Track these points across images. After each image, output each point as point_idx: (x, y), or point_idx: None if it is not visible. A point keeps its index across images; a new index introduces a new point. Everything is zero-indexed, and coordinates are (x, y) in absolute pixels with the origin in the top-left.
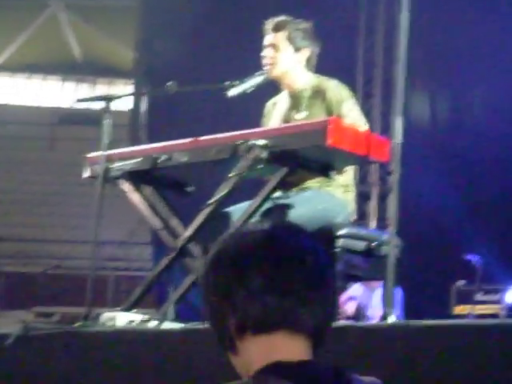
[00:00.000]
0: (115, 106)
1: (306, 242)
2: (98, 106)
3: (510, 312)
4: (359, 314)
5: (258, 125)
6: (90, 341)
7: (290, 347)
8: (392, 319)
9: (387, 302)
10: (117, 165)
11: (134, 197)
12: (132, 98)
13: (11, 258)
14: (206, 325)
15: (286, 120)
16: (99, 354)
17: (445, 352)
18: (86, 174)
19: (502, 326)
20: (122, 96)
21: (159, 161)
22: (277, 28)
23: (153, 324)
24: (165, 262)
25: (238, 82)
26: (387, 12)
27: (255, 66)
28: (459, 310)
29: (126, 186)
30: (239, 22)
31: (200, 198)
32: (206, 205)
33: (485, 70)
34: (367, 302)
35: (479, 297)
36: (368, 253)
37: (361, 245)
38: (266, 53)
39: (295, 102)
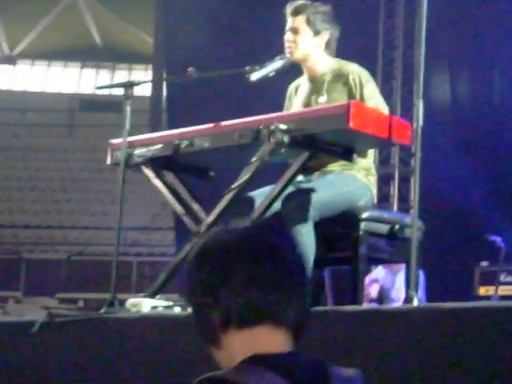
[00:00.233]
0: (135, 91)
1: (285, 239)
2: (118, 92)
3: None
4: (382, 297)
5: (279, 109)
6: (115, 327)
7: (273, 340)
8: (416, 302)
9: (411, 284)
10: (139, 151)
11: (156, 183)
12: (151, 83)
13: (31, 244)
14: None
15: (307, 104)
16: (125, 340)
17: (470, 334)
18: (109, 160)
19: None
20: (143, 82)
21: (181, 147)
22: (296, 12)
23: (177, 309)
24: (188, 247)
25: (258, 67)
26: None
27: (276, 50)
28: (483, 291)
29: (148, 172)
30: (259, 6)
31: (222, 183)
32: (229, 189)
33: (506, 52)
34: (390, 285)
35: (503, 278)
36: (391, 235)
37: (384, 228)
38: (287, 37)
39: (316, 86)
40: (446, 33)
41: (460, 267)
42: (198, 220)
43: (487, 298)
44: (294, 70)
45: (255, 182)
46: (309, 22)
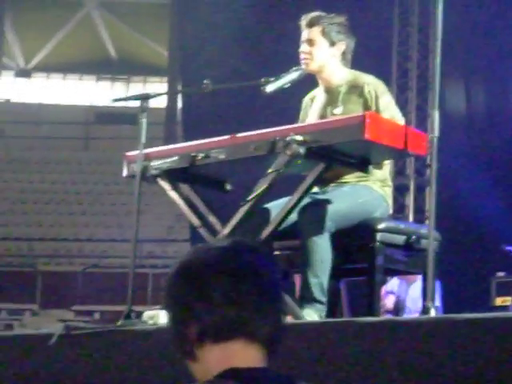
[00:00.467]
0: (150, 103)
1: (261, 258)
2: (133, 104)
3: None
4: (398, 308)
5: (294, 121)
6: (132, 339)
7: (246, 355)
8: (433, 313)
9: (428, 295)
10: (155, 163)
11: (172, 195)
12: (167, 95)
13: (47, 257)
14: None
15: (323, 116)
16: (142, 353)
17: (487, 345)
18: (125, 172)
19: None
20: (158, 95)
21: (197, 159)
22: (311, 23)
23: None
24: None
25: (273, 79)
26: (422, 5)
27: (291, 62)
28: (500, 301)
29: (164, 185)
30: (274, 18)
31: (238, 194)
32: (245, 201)
33: None
34: (405, 296)
35: None
36: (407, 246)
37: (400, 239)
38: (302, 48)
39: (331, 97)
40: (461, 43)
41: (476, 278)
42: (214, 232)
43: (504, 308)
44: (309, 81)
45: (271, 193)
46: (324, 34)
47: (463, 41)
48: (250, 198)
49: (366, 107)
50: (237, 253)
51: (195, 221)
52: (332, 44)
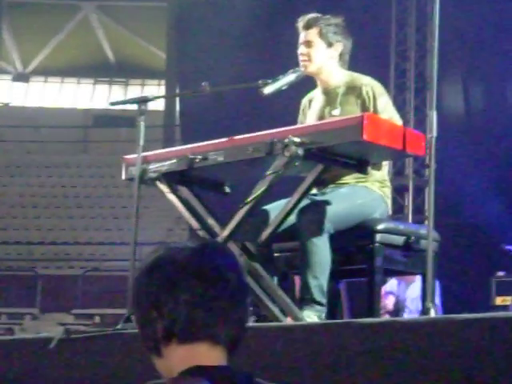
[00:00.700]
0: (148, 106)
1: (230, 261)
2: (132, 107)
3: None
4: (398, 308)
5: (292, 122)
6: (132, 342)
7: (210, 355)
8: (433, 313)
9: (428, 295)
10: (153, 166)
11: (171, 197)
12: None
13: (47, 261)
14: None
15: (321, 117)
16: (141, 356)
17: (487, 344)
18: (123, 175)
19: None
20: (156, 98)
21: (195, 161)
22: (308, 25)
23: None
24: None
25: (271, 81)
26: (419, 5)
27: (289, 64)
28: (500, 301)
29: (163, 187)
30: (271, 20)
31: (237, 196)
32: (244, 203)
33: None
34: (404, 296)
35: None
36: (407, 247)
37: (399, 239)
38: (300, 50)
39: (329, 98)
40: (459, 43)
41: (476, 278)
42: (213, 234)
43: (504, 307)
44: (307, 82)
45: (270, 195)
46: (321, 35)
47: (461, 41)
48: (249, 199)
49: (364, 108)
50: (207, 256)
51: (194, 223)
52: (329, 45)
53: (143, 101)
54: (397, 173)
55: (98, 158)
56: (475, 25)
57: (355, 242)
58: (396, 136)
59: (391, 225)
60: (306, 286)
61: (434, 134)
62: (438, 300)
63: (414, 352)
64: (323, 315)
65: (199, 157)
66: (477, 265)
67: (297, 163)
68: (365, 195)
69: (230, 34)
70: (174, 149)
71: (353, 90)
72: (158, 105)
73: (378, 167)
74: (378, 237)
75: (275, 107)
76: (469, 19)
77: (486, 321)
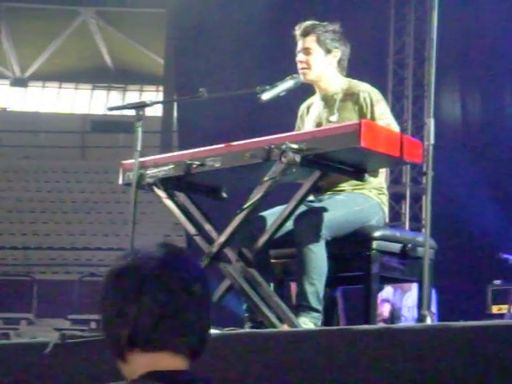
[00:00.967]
0: (146, 112)
1: (195, 272)
2: (130, 112)
3: None
4: (394, 316)
5: (289, 128)
6: None
7: (172, 363)
8: (429, 321)
9: (424, 303)
10: (150, 171)
11: (168, 203)
12: (162, 104)
13: (44, 266)
14: (243, 330)
15: (319, 123)
16: None
17: (483, 353)
18: (121, 180)
19: None
20: (154, 103)
21: (193, 167)
22: (306, 33)
23: None
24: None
25: (269, 87)
26: (417, 13)
27: (286, 70)
28: (496, 309)
29: (160, 193)
30: (269, 28)
31: (234, 202)
32: (241, 209)
33: None
34: (400, 304)
35: None
36: (403, 254)
37: (396, 247)
38: (299, 58)
39: (327, 105)
40: (456, 51)
41: (472, 286)
42: (210, 240)
43: (500, 316)
44: (305, 89)
45: (267, 201)
46: (319, 42)
47: (459, 49)
48: (246, 206)
49: (362, 115)
50: (173, 266)
51: (191, 229)
52: (328, 52)
53: (141, 106)
54: (394, 180)
55: (96, 164)
56: (473, 33)
57: (352, 249)
58: (393, 143)
59: (388, 232)
60: (302, 293)
61: (432, 141)
62: (434, 308)
63: (410, 359)
64: (319, 322)
65: (196, 162)
66: (473, 273)
67: (294, 170)
68: (362, 202)
69: (228, 40)
70: (171, 154)
71: (350, 96)
72: (156, 111)
73: (375, 174)
74: (375, 244)
75: (273, 113)
76: (467, 28)
77: (482, 328)
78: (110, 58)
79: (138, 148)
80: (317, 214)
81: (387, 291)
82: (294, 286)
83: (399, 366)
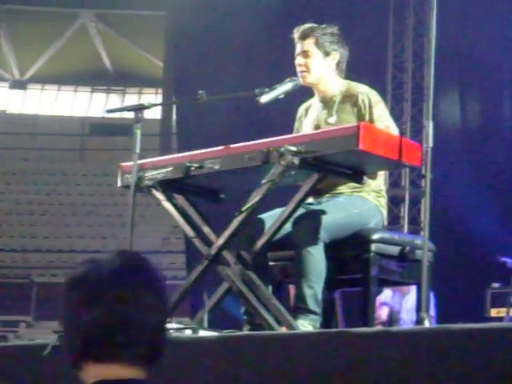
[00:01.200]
0: (145, 115)
1: (148, 280)
2: (129, 115)
3: None
4: (392, 319)
5: (288, 131)
6: None
7: (123, 373)
8: (427, 323)
9: (422, 306)
10: (149, 174)
11: (167, 205)
12: (161, 106)
13: (42, 268)
14: (241, 332)
15: (317, 125)
16: None
17: (481, 355)
18: (119, 183)
19: None
20: (153, 106)
21: (191, 169)
22: (304, 36)
23: (188, 332)
24: (198, 270)
25: (267, 90)
26: (416, 16)
27: (286, 73)
28: (495, 312)
29: (159, 195)
30: (268, 31)
31: (233, 205)
32: (239, 212)
33: None
34: (399, 307)
35: None
36: (402, 257)
37: (395, 249)
38: (298, 61)
39: (326, 107)
40: (456, 54)
41: (471, 289)
42: (208, 243)
43: (499, 319)
44: (303, 91)
45: (265, 204)
46: (318, 44)
47: (458, 52)
48: (245, 208)
49: (360, 116)
50: (127, 275)
51: (189, 231)
52: (326, 54)
53: (140, 108)
54: (393, 183)
55: (95, 166)
56: (472, 37)
57: (350, 252)
58: (392, 146)
59: (387, 235)
60: (300, 295)
61: (431, 144)
62: (432, 311)
63: (407, 362)
64: (317, 324)
65: (195, 165)
66: (472, 276)
67: (293, 172)
68: (361, 205)
69: (227, 42)
70: (170, 157)
71: (349, 98)
72: (155, 113)
73: (373, 177)
74: (374, 247)
75: (271, 116)
76: (466, 31)
77: (480, 331)
78: (109, 60)
79: (137, 150)
80: (315, 216)
81: (386, 294)
82: (292, 289)
83: (397, 368)
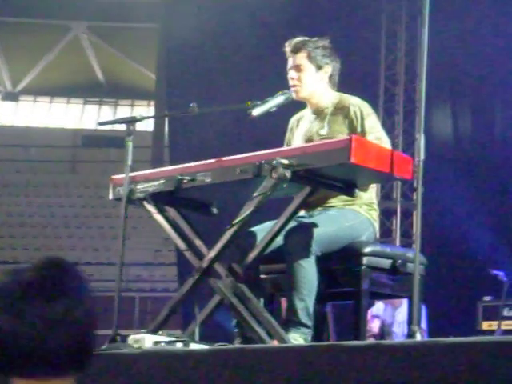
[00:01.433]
0: (137, 127)
1: (71, 289)
2: (121, 127)
3: None
4: (384, 332)
5: (280, 144)
6: (117, 363)
7: None
8: (419, 336)
9: (414, 319)
10: (141, 186)
11: (158, 218)
12: (154, 119)
13: None
14: (232, 345)
15: (309, 137)
16: (127, 377)
17: (473, 369)
18: (111, 195)
19: None
20: (145, 118)
21: (183, 182)
22: (296, 49)
23: (179, 345)
24: (190, 282)
25: (259, 103)
26: (409, 29)
27: (278, 86)
28: (487, 325)
29: (150, 208)
30: (259, 44)
31: (224, 218)
32: (231, 225)
33: (508, 86)
34: (391, 320)
35: (506, 312)
36: (393, 270)
37: (386, 262)
38: (291, 75)
39: (318, 118)
40: (447, 68)
41: (463, 302)
42: (200, 255)
43: (490, 332)
44: (296, 104)
45: (257, 217)
46: (310, 58)
47: (450, 66)
48: (236, 221)
49: (352, 128)
50: (31, 291)
51: (181, 244)
52: (319, 68)
53: (131, 121)
54: (385, 196)
55: (87, 178)
56: (464, 50)
57: (342, 265)
58: (384, 159)
59: (378, 248)
60: (292, 308)
61: (422, 157)
62: (424, 324)
63: (399, 375)
64: (309, 337)
65: (187, 177)
66: (463, 289)
67: (284, 185)
68: (352, 218)
69: (219, 55)
70: (161, 169)
71: (341, 109)
72: (147, 125)
73: (365, 190)
74: (365, 260)
75: (263, 129)
76: (457, 44)
77: (472, 345)
78: (101, 72)
79: (129, 163)
80: (307, 229)
81: (378, 307)
82: (284, 302)
83: (389, 382)
